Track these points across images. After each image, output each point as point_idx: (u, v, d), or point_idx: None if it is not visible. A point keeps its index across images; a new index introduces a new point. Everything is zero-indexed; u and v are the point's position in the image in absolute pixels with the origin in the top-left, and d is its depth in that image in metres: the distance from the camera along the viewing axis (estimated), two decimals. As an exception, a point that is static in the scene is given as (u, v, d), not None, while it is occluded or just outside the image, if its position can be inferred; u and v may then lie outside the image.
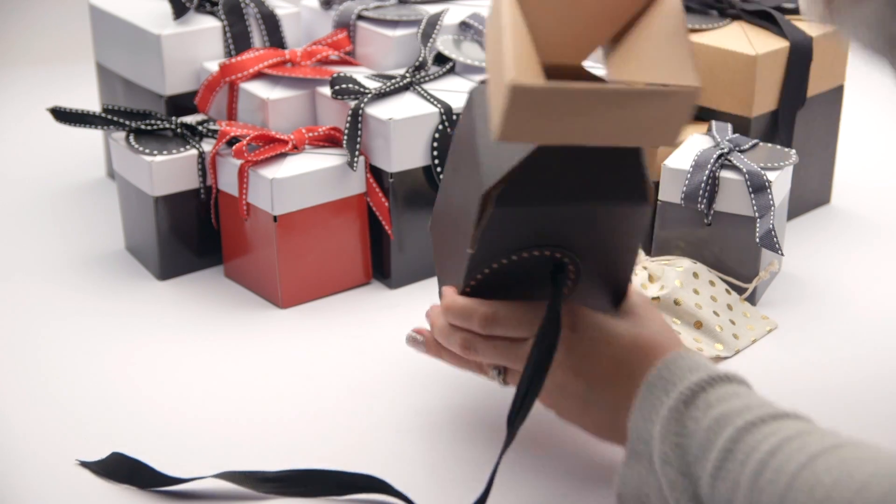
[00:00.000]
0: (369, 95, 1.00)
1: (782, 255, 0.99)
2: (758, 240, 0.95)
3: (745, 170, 0.96)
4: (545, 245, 0.73)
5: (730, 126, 1.04)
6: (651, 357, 0.72)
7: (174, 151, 1.01)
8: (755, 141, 1.02)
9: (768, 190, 0.95)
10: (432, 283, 1.04)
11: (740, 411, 0.66)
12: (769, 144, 1.03)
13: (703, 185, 0.96)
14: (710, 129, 1.03)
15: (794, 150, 1.02)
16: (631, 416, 0.70)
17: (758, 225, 0.95)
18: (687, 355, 0.71)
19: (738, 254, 0.98)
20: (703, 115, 1.08)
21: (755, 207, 0.95)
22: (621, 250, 0.75)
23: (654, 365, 0.71)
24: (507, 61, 0.62)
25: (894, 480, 0.58)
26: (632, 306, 0.77)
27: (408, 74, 1.04)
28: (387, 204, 1.00)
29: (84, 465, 0.78)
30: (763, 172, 0.96)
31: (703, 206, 0.97)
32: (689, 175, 0.97)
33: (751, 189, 0.95)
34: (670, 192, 0.99)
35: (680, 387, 0.68)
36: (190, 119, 1.07)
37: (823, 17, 0.63)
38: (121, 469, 0.77)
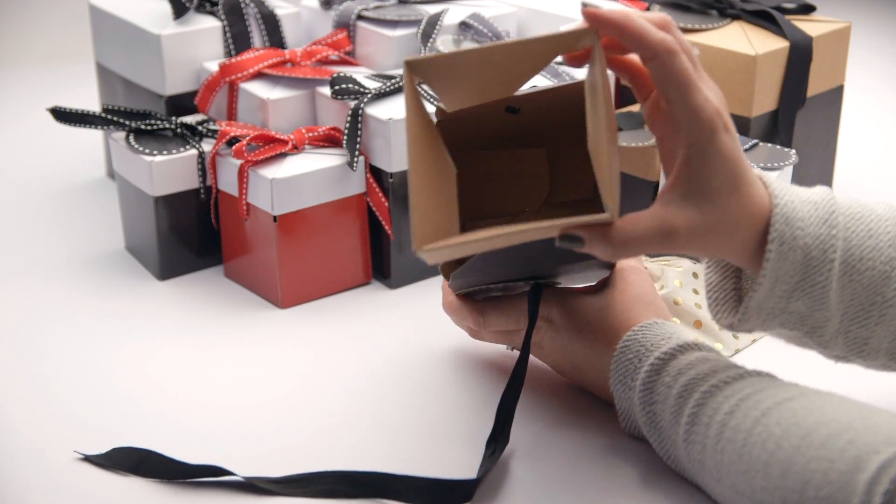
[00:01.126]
0: (369, 95, 1.00)
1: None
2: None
3: (744, 170, 0.96)
4: (514, 280, 0.80)
5: (730, 126, 1.04)
6: (614, 339, 0.79)
7: (174, 151, 1.01)
8: (755, 141, 1.02)
9: (768, 190, 0.95)
10: (432, 282, 1.04)
11: (706, 376, 0.71)
12: (769, 144, 1.03)
13: (702, 185, 0.96)
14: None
15: (793, 151, 1.02)
16: (610, 382, 0.78)
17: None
18: (655, 325, 0.78)
19: (737, 254, 0.98)
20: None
21: (755, 207, 0.95)
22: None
23: (621, 337, 0.78)
24: (412, 221, 0.66)
25: (836, 426, 0.63)
26: (614, 274, 0.83)
27: (408, 74, 1.04)
28: (387, 204, 1.00)
29: (86, 458, 0.78)
30: (763, 173, 0.96)
31: (702, 207, 0.97)
32: (688, 175, 0.97)
33: (751, 189, 0.95)
34: (670, 192, 0.98)
35: (655, 354, 0.74)
36: (190, 119, 1.07)
37: (733, 327, 0.72)
38: (126, 459, 0.77)
